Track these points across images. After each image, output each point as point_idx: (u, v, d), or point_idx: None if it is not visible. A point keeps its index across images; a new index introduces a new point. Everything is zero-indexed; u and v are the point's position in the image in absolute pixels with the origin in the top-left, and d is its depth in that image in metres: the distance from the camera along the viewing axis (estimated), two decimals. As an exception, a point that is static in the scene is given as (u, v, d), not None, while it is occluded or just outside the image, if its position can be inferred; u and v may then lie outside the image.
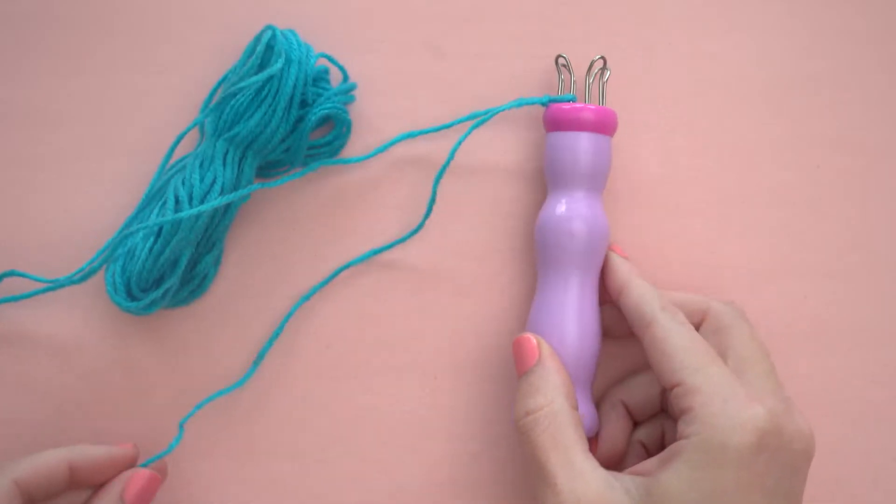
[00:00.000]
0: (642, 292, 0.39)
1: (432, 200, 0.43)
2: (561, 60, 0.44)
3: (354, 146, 0.45)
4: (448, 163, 0.43)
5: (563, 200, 0.42)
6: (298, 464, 0.44)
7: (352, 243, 0.44)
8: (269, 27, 0.43)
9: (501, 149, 0.45)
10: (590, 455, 0.36)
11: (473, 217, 0.45)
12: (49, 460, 0.37)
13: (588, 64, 0.43)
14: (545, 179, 0.43)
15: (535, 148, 0.45)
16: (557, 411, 0.37)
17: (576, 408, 0.38)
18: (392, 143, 0.44)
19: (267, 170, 0.44)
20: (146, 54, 0.45)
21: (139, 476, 0.38)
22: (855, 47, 0.45)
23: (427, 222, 0.44)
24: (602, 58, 0.43)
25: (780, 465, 0.34)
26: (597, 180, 0.42)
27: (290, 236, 0.44)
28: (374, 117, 0.45)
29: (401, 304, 0.44)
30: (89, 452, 0.38)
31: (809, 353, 0.44)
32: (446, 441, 0.44)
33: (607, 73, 0.43)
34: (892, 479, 0.43)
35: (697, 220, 0.44)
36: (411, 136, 0.44)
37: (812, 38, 0.45)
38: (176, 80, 0.45)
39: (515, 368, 0.39)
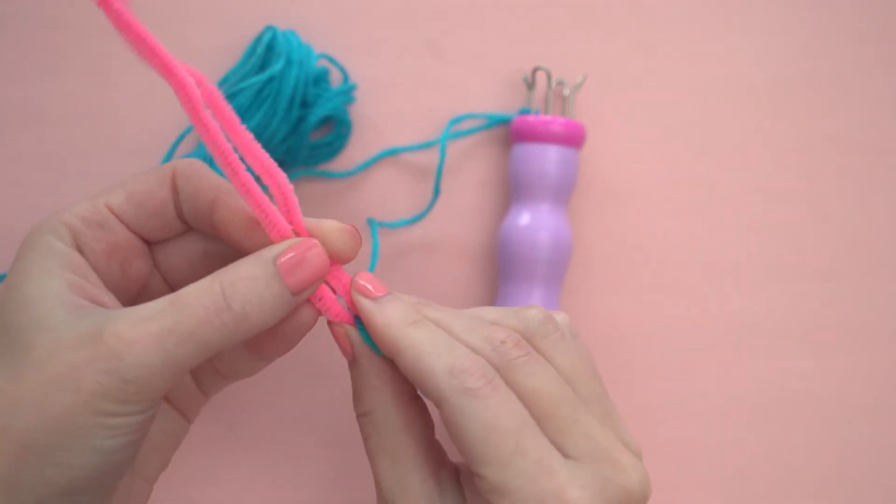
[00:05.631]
0: (418, 354, 0.30)
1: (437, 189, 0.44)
2: (539, 73, 0.44)
3: (355, 146, 0.45)
4: (436, 193, 0.43)
5: (527, 211, 0.42)
6: (297, 463, 0.44)
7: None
8: (269, 28, 0.43)
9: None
10: (421, 462, 0.31)
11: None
12: (197, 180, 0.31)
13: (561, 74, 0.43)
14: (509, 189, 0.43)
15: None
16: (380, 420, 0.31)
17: (411, 399, 0.32)
18: (375, 160, 0.44)
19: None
20: (146, 54, 0.45)
21: (305, 246, 0.29)
22: (855, 47, 0.45)
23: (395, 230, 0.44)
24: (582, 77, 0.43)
25: None
26: (562, 192, 0.42)
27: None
28: (374, 117, 0.45)
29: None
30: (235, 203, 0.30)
31: (809, 353, 0.44)
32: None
33: (567, 88, 0.43)
34: (892, 479, 0.43)
35: (697, 220, 0.45)
36: (394, 152, 0.44)
37: (812, 38, 0.45)
38: (176, 80, 0.45)
39: None
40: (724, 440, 0.44)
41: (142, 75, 0.45)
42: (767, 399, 0.44)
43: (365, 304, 0.31)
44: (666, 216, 0.45)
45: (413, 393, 0.32)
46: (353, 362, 0.32)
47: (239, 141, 0.29)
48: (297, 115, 0.42)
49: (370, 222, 0.43)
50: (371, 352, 0.32)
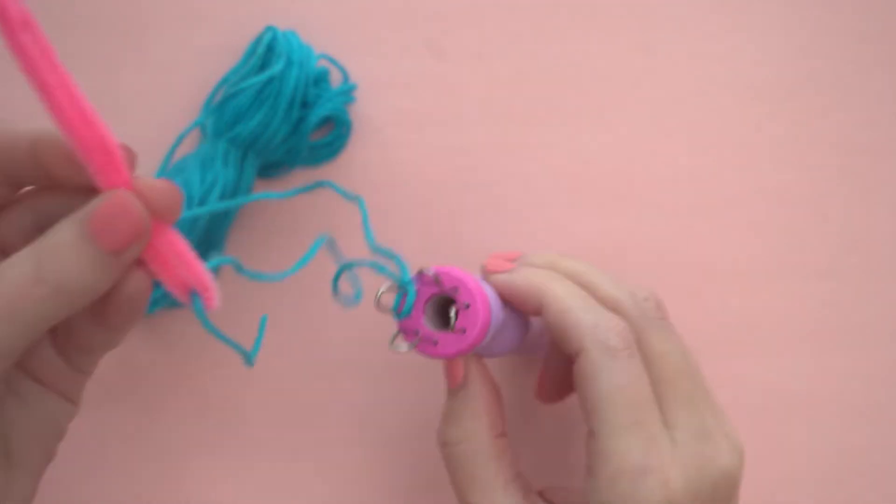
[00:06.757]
0: (566, 307, 0.32)
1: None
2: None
3: (355, 146, 0.45)
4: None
5: None
6: (297, 463, 0.44)
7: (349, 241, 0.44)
8: (269, 28, 0.43)
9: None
10: (511, 487, 0.33)
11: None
12: (11, 130, 0.29)
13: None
14: None
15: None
16: (476, 449, 0.33)
17: (501, 434, 0.34)
18: (313, 187, 0.43)
19: (268, 170, 0.44)
20: (146, 54, 0.45)
21: (115, 200, 0.26)
22: (855, 47, 0.45)
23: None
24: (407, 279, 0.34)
25: None
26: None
27: (291, 237, 0.44)
28: (374, 118, 0.45)
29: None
30: (59, 136, 0.27)
31: (809, 353, 0.44)
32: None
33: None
34: (892, 480, 0.43)
35: (697, 220, 0.45)
36: (328, 185, 0.44)
37: (812, 38, 0.45)
38: (176, 80, 0.45)
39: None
40: (724, 440, 0.44)
41: (142, 75, 0.46)
42: (767, 399, 0.44)
43: (502, 277, 0.34)
44: (666, 216, 0.45)
45: (502, 428, 0.34)
46: (459, 388, 0.34)
47: (59, 80, 0.25)
48: (298, 116, 0.42)
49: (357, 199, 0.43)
50: (483, 377, 0.33)
